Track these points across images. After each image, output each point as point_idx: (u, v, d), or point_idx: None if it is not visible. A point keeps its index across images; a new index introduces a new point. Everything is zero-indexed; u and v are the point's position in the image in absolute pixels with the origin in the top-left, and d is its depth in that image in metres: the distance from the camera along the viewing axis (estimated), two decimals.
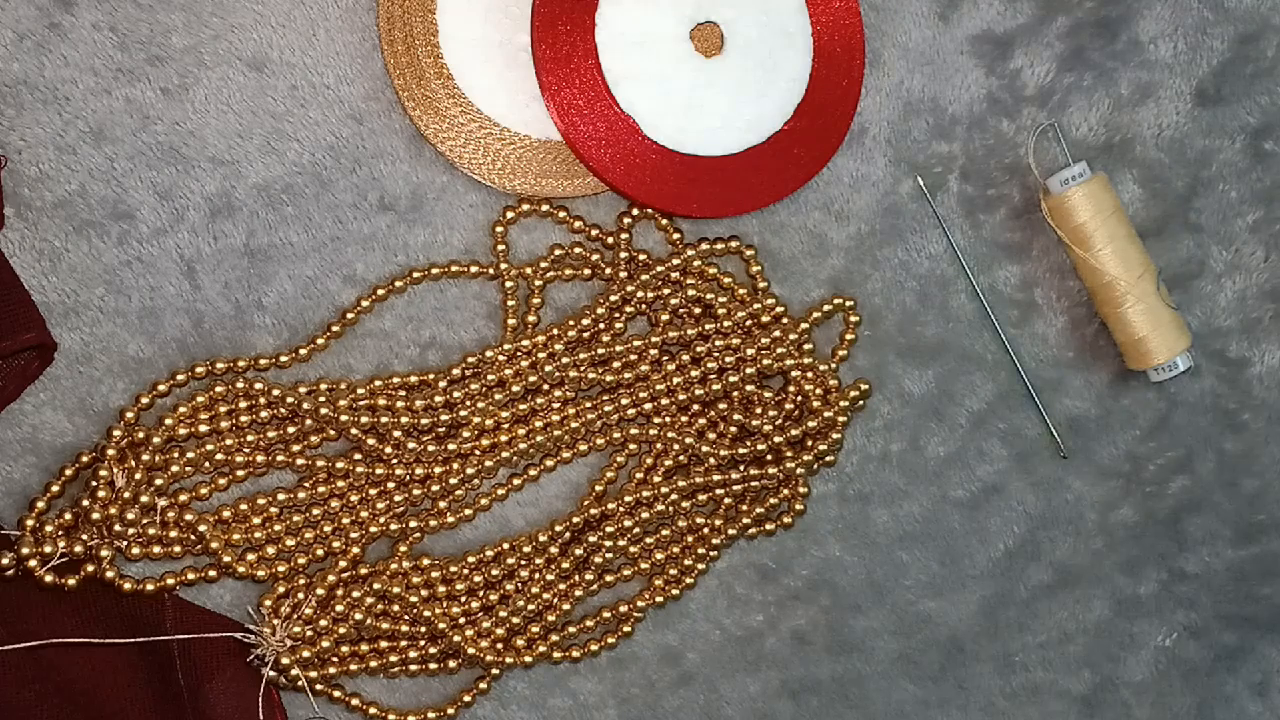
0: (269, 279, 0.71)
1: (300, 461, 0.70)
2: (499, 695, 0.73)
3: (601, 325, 0.72)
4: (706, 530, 0.73)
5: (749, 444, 0.72)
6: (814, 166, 0.73)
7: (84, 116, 0.69)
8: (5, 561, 0.66)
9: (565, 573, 0.71)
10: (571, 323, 0.72)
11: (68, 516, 0.67)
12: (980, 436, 0.76)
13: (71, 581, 0.67)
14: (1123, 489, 0.77)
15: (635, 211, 0.72)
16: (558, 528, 0.71)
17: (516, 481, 0.72)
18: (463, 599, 0.71)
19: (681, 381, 0.72)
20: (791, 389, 0.73)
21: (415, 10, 0.70)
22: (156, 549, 0.68)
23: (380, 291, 0.71)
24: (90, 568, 0.67)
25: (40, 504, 0.68)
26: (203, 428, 0.69)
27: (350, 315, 0.71)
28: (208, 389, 0.69)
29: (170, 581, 0.69)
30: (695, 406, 0.73)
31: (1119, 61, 0.75)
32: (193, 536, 0.68)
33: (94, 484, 0.67)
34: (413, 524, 0.71)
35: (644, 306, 0.72)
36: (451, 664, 0.71)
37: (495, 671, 0.72)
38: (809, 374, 0.72)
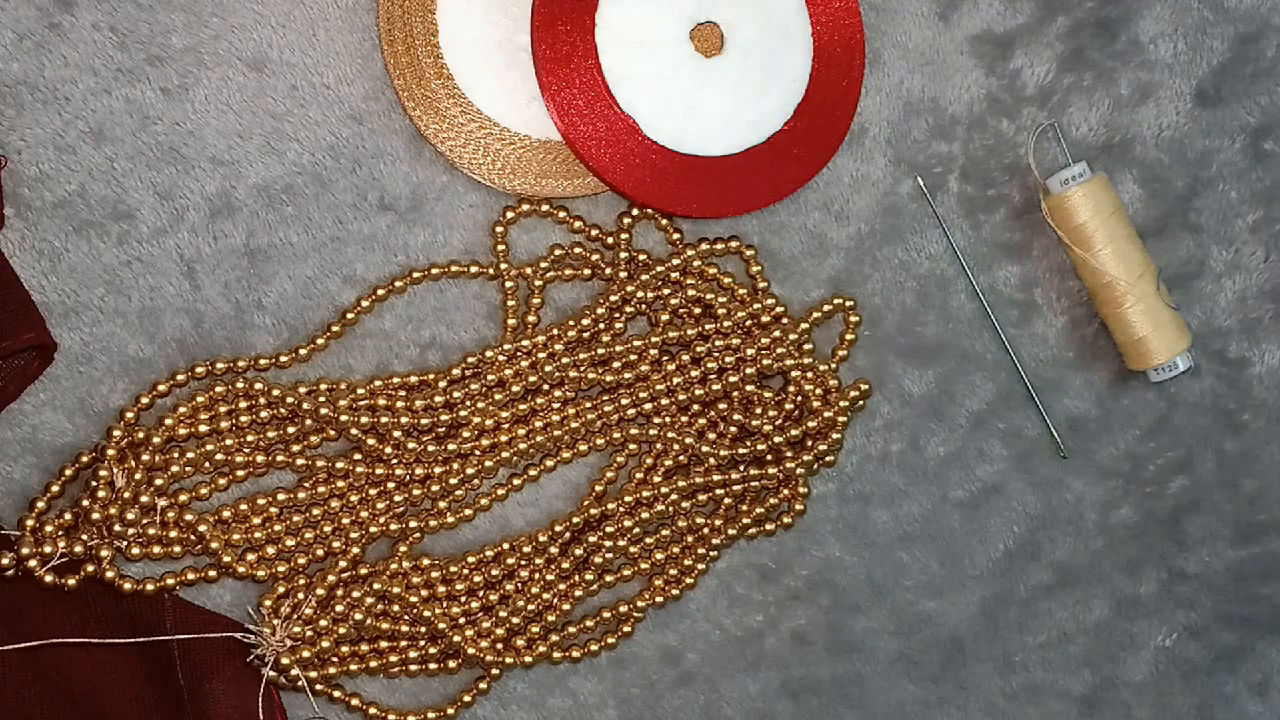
0: (269, 279, 0.71)
1: (300, 461, 0.70)
2: (499, 695, 0.73)
3: (601, 325, 0.72)
4: (706, 530, 0.73)
5: (749, 444, 0.72)
6: (814, 166, 0.73)
7: (84, 116, 0.69)
8: (5, 561, 0.66)
9: (565, 573, 0.71)
10: (571, 323, 0.72)
11: (68, 516, 0.67)
12: (980, 436, 0.76)
13: (71, 581, 0.67)
14: (1123, 489, 0.77)
15: (635, 211, 0.72)
16: (558, 528, 0.71)
17: (516, 481, 0.72)
18: (463, 599, 0.71)
19: (681, 381, 0.72)
20: (791, 389, 0.73)
21: (415, 10, 0.70)
22: (156, 549, 0.68)
23: (380, 291, 0.71)
24: (90, 568, 0.67)
25: (40, 504, 0.68)
26: (203, 428, 0.69)
27: (350, 315, 0.71)
28: (208, 389, 0.69)
29: (170, 581, 0.69)
30: (695, 406, 0.73)
31: (1119, 61, 0.75)
32: (193, 536, 0.68)
33: (94, 484, 0.67)
34: (413, 524, 0.71)
35: (644, 306, 0.72)
36: (451, 664, 0.71)
37: (495, 671, 0.72)
38: (809, 374, 0.72)
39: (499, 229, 0.72)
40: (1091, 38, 0.75)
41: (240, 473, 0.70)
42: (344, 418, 0.69)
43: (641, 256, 0.73)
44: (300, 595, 0.69)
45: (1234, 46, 0.75)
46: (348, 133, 0.71)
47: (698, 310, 0.73)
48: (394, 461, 0.70)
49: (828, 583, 0.76)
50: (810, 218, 0.74)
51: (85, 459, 0.69)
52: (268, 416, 0.70)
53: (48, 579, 0.66)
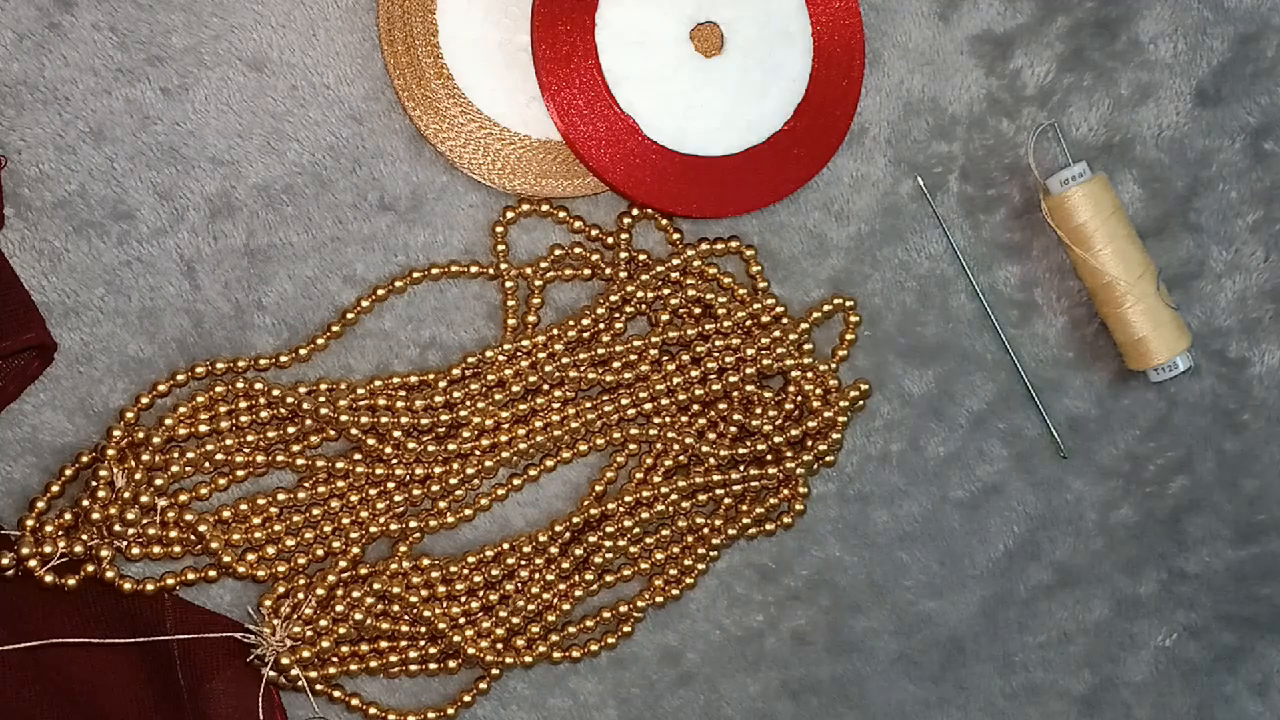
0: (269, 279, 0.71)
1: (300, 461, 0.70)
2: (499, 695, 0.73)
3: (601, 325, 0.72)
4: (706, 530, 0.73)
5: (749, 444, 0.72)
6: (814, 166, 0.73)
7: (84, 116, 0.69)
8: (5, 561, 0.66)
9: (565, 573, 0.71)
10: (571, 323, 0.72)
11: (68, 516, 0.67)
12: (980, 436, 0.76)
13: (71, 581, 0.67)
14: (1123, 489, 0.77)
15: (635, 211, 0.72)
16: (558, 528, 0.71)
17: (516, 481, 0.72)
18: (463, 599, 0.71)
19: (681, 381, 0.72)
20: (791, 389, 0.73)
21: (415, 10, 0.70)
22: (156, 549, 0.68)
23: (380, 291, 0.71)
24: (90, 568, 0.67)
25: (40, 504, 0.68)
26: (203, 428, 0.69)
27: (350, 315, 0.71)
28: (208, 389, 0.69)
29: (170, 581, 0.69)
30: (695, 406, 0.73)
31: (1119, 61, 0.75)
32: (193, 536, 0.68)
33: (94, 484, 0.67)
34: (413, 524, 0.71)
35: (644, 306, 0.72)
36: (451, 664, 0.71)
37: (495, 671, 0.72)
38: (809, 374, 0.72)
39: (499, 229, 0.72)
40: (1091, 38, 0.75)
41: (240, 473, 0.70)
42: (344, 418, 0.69)
43: (641, 256, 0.73)
44: (300, 595, 0.69)
45: (1234, 46, 0.75)
46: (348, 133, 0.71)
47: (698, 310, 0.73)
48: (394, 461, 0.70)
49: (828, 583, 0.76)
50: (810, 218, 0.74)
51: (85, 459, 0.69)
52: (268, 416, 0.70)
53: (48, 579, 0.66)
